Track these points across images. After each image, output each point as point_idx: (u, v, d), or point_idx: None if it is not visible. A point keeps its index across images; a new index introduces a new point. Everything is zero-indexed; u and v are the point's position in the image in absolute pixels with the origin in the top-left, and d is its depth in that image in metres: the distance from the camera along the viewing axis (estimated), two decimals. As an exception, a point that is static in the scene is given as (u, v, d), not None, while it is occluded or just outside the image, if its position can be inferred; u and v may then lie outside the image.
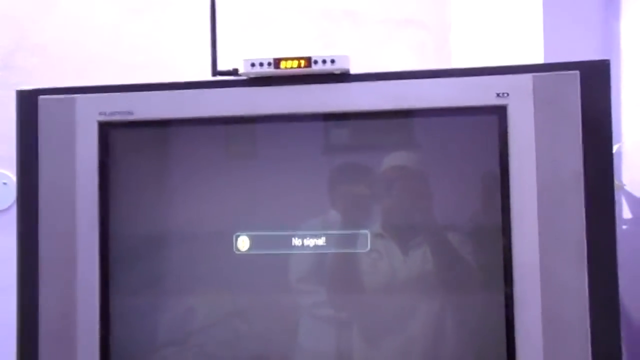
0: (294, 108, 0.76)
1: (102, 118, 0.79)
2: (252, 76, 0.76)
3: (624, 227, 1.10)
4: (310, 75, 0.75)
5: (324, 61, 0.74)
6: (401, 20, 1.45)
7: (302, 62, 0.74)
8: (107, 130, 0.80)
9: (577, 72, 0.71)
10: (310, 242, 0.76)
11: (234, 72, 0.79)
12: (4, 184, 1.39)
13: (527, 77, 0.72)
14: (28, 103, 0.83)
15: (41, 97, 0.81)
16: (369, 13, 1.45)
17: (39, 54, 1.43)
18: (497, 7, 1.25)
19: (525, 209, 0.72)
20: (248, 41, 1.40)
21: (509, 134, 0.73)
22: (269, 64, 0.74)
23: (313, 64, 0.74)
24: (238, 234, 0.78)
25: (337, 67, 0.74)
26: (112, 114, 0.79)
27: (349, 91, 0.75)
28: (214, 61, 0.81)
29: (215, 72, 0.81)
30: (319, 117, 0.77)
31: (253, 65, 0.74)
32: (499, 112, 0.73)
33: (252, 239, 0.78)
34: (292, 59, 0.74)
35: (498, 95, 0.73)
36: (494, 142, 0.74)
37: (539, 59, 1.00)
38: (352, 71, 0.76)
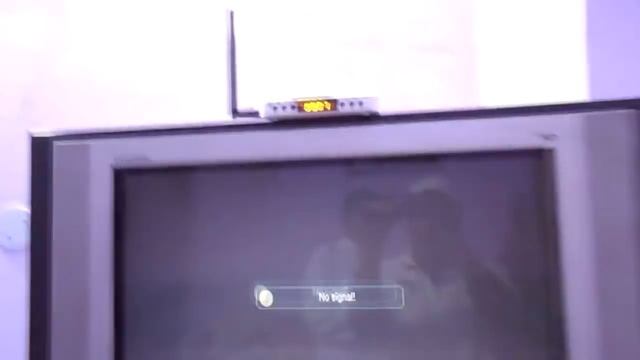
0: (318, 152, 0.70)
1: (117, 164, 0.75)
2: (273, 120, 0.71)
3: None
4: (336, 117, 0.70)
5: (351, 103, 0.68)
6: (426, 45, 1.40)
7: (328, 105, 0.69)
8: (121, 176, 0.76)
9: (634, 110, 0.64)
10: (339, 297, 0.70)
11: (254, 113, 0.74)
12: (24, 221, 1.37)
13: (578, 117, 0.65)
14: (42, 148, 0.79)
15: (56, 143, 0.78)
16: (393, 40, 1.40)
17: (58, 89, 1.42)
18: (530, 32, 1.18)
19: (579, 262, 0.65)
20: (269, 73, 1.36)
21: (557, 180, 0.66)
22: (292, 107, 0.69)
23: (339, 106, 0.69)
24: (259, 287, 0.73)
25: (365, 109, 0.69)
26: (127, 159, 0.75)
27: (378, 133, 0.69)
28: (232, 100, 0.76)
29: (234, 112, 0.77)
30: (346, 162, 0.71)
31: (275, 108, 0.70)
32: (546, 156, 0.66)
33: (274, 293, 0.72)
34: (317, 100, 0.69)
35: (544, 137, 0.66)
36: (539, 188, 0.67)
37: (580, 91, 0.93)
38: (379, 105, 0.71)
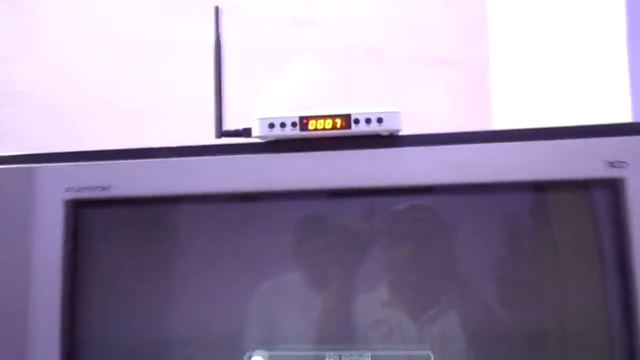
0: (326, 182, 0.56)
1: (70, 195, 0.60)
2: (269, 140, 0.57)
3: None
4: (347, 137, 0.56)
5: (368, 120, 0.54)
6: (432, 58, 1.27)
7: (339, 122, 0.55)
8: (76, 210, 0.60)
9: None
10: (350, 364, 0.55)
11: (245, 132, 0.60)
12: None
13: (653, 141, 0.52)
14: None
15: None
16: (394, 51, 1.27)
17: (22, 100, 1.26)
18: (550, 43, 1.07)
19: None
20: (257, 85, 1.22)
21: (628, 216, 0.52)
22: (294, 124, 0.55)
23: (353, 124, 0.54)
24: (249, 353, 0.57)
25: (385, 128, 0.54)
26: (83, 189, 0.60)
27: (400, 158, 0.55)
28: (218, 118, 0.61)
29: (220, 132, 0.62)
30: (361, 195, 0.57)
31: (271, 126, 0.55)
32: (613, 187, 0.53)
33: None
34: (326, 117, 0.55)
35: (611, 164, 0.53)
36: (605, 225, 0.54)
37: (620, 108, 0.81)
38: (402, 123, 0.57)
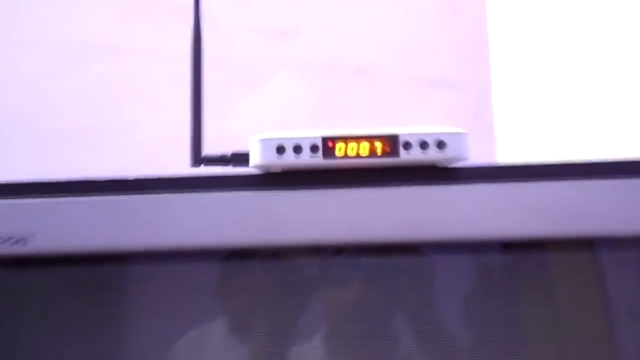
0: (359, 233, 0.38)
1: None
2: (277, 170, 0.39)
3: None
4: (392, 169, 0.38)
5: (424, 144, 0.37)
6: (428, 80, 1.14)
7: (380, 146, 0.37)
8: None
9: None
10: None
11: (237, 159, 0.42)
12: None
13: None
14: None
15: None
16: (387, 71, 1.13)
17: None
18: (563, 61, 0.95)
19: None
20: (230, 104, 1.04)
21: None
22: (314, 148, 0.37)
23: (402, 150, 0.37)
24: None
25: (448, 156, 0.38)
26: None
27: (467, 199, 0.38)
28: (195, 140, 0.43)
29: (199, 158, 0.43)
30: (407, 250, 0.40)
31: (281, 150, 0.37)
32: None
33: None
34: (361, 138, 0.37)
35: None
36: None
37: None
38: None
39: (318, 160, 0.37)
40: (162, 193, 0.39)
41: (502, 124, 1.12)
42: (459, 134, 0.38)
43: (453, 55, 1.16)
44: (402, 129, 0.38)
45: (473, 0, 1.17)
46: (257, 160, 0.38)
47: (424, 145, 0.37)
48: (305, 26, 1.11)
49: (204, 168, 0.43)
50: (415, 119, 1.15)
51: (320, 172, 0.38)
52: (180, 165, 0.45)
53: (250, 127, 1.07)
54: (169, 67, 1.04)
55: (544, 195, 0.38)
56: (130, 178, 0.41)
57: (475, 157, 1.17)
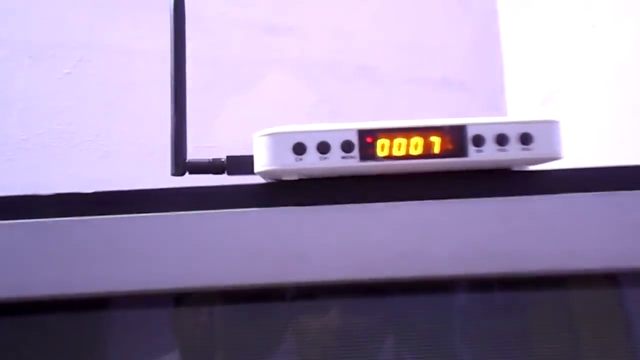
0: (413, 267, 0.27)
1: None
2: (287, 178, 0.28)
3: None
4: (459, 174, 0.28)
5: (502, 138, 0.26)
6: (436, 80, 1.04)
7: (439, 142, 0.26)
8: None
9: None
10: None
11: (234, 165, 0.30)
12: None
13: None
14: None
15: None
16: (391, 70, 1.03)
17: None
18: (582, 58, 0.86)
19: None
20: (218, 106, 0.93)
21: None
22: (347, 146, 0.26)
23: (472, 147, 0.26)
24: None
25: (537, 154, 0.27)
26: None
27: (564, 216, 0.28)
28: (177, 143, 0.32)
29: (182, 165, 0.32)
30: (483, 290, 0.29)
31: (300, 149, 0.26)
32: None
33: None
34: (413, 131, 0.26)
35: None
36: None
37: None
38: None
39: (353, 162, 0.26)
40: (129, 213, 0.27)
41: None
42: (550, 123, 0.27)
43: (462, 53, 1.06)
44: (471, 119, 0.27)
45: (482, -6, 1.09)
46: (266, 165, 0.27)
47: (502, 139, 0.26)
48: (300, 22, 1.01)
49: (189, 178, 0.32)
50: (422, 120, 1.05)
51: (357, 180, 0.27)
52: (161, 179, 0.34)
53: (239, 133, 0.96)
54: (148, 67, 0.92)
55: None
56: (91, 191, 0.29)
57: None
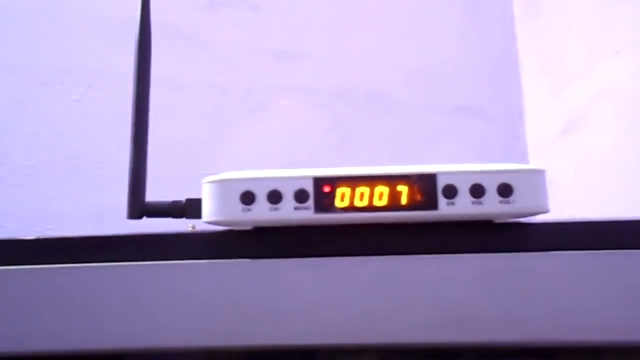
0: (376, 332, 0.24)
1: None
2: (245, 227, 0.25)
3: None
4: (429, 228, 0.24)
5: (477, 190, 0.23)
6: (452, 106, 1.00)
7: (406, 192, 0.23)
8: None
9: None
10: None
11: (194, 209, 0.28)
12: None
13: None
14: None
15: None
16: (404, 96, 1.00)
17: None
18: (609, 85, 0.81)
19: None
20: (227, 134, 0.91)
21: None
22: (300, 195, 0.23)
23: (442, 199, 0.23)
24: None
25: (517, 208, 0.24)
26: None
27: (550, 275, 0.24)
28: (135, 185, 0.30)
29: (138, 208, 0.30)
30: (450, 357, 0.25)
31: (249, 198, 0.23)
32: None
33: None
34: (376, 180, 0.24)
35: None
36: None
37: None
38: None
39: (308, 214, 0.23)
40: (68, 262, 0.25)
41: (538, 156, 0.97)
42: (533, 173, 0.23)
43: (479, 79, 1.03)
44: (443, 167, 0.24)
45: (500, 19, 1.05)
46: (212, 215, 0.24)
47: (477, 191, 0.23)
48: (311, 48, 1.00)
49: (145, 222, 0.30)
50: (438, 151, 1.01)
51: (312, 233, 0.24)
52: (117, 219, 0.32)
53: (248, 161, 0.94)
54: (155, 93, 0.92)
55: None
56: (25, 239, 0.27)
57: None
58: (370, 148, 0.98)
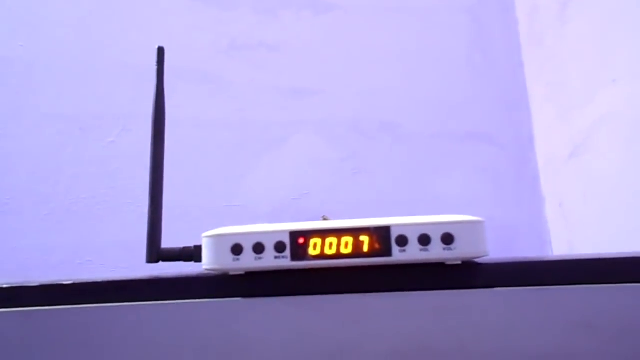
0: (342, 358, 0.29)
1: None
2: (236, 272, 0.30)
3: None
4: (385, 272, 0.29)
5: (424, 239, 0.28)
6: (461, 134, 1.04)
7: (367, 242, 0.28)
8: None
9: None
10: None
11: (195, 254, 0.34)
12: None
13: None
14: None
15: None
16: (414, 126, 1.04)
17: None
18: (618, 106, 0.83)
19: None
20: (246, 168, 0.98)
21: None
22: (279, 247, 0.29)
23: (395, 247, 0.28)
24: None
25: (458, 254, 0.28)
26: None
27: (488, 309, 0.28)
28: (153, 233, 0.36)
29: (154, 254, 0.36)
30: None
31: (237, 250, 0.29)
32: None
33: None
34: (342, 232, 0.29)
35: None
36: None
37: None
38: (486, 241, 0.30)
39: (285, 262, 0.28)
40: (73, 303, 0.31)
41: (549, 180, 0.99)
42: (472, 223, 0.28)
43: (488, 106, 1.06)
44: (396, 220, 0.28)
45: (507, 46, 1.09)
46: (208, 263, 0.30)
47: (424, 240, 0.28)
48: (324, 84, 1.06)
49: (161, 266, 0.35)
50: (449, 177, 1.05)
51: (290, 276, 0.29)
52: (135, 265, 0.38)
53: (269, 192, 1.00)
54: (184, 133, 1.00)
55: (597, 303, 0.27)
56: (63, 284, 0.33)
57: (519, 218, 1.03)
58: (383, 176, 1.03)
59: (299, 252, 0.28)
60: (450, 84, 1.08)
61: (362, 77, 1.07)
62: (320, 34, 1.09)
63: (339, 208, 0.96)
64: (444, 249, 0.28)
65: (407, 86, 1.08)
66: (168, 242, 0.39)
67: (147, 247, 0.36)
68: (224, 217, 0.97)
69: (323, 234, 0.29)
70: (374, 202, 0.97)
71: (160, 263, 0.36)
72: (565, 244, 0.93)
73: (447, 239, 0.28)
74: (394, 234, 0.28)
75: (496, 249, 0.30)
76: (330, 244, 0.29)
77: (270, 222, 0.32)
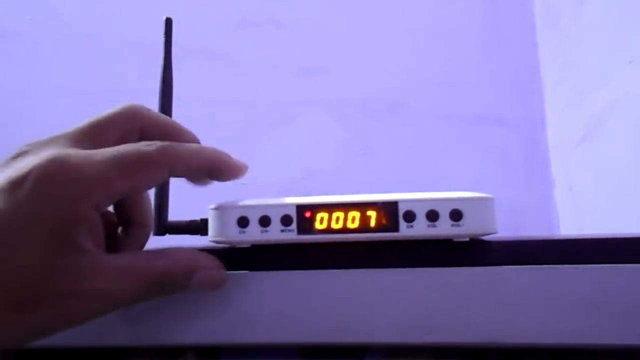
0: (344, 333, 0.29)
1: None
2: (242, 245, 0.30)
3: None
4: (391, 248, 0.29)
5: (432, 215, 0.28)
6: (471, 116, 1.03)
7: (374, 217, 0.28)
8: None
9: None
10: None
11: (201, 227, 0.34)
12: None
13: None
14: None
15: None
16: (424, 107, 1.04)
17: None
18: (630, 91, 0.82)
19: None
20: (254, 147, 0.98)
21: None
22: (286, 220, 0.28)
23: (403, 223, 0.28)
24: None
25: (466, 230, 0.28)
26: None
27: (494, 287, 0.28)
28: (160, 207, 0.36)
29: (162, 226, 0.36)
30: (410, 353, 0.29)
31: (244, 222, 0.29)
32: None
33: None
34: (349, 206, 0.28)
35: None
36: None
37: None
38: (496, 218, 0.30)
39: (292, 235, 0.28)
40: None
41: (560, 163, 0.98)
42: (481, 200, 0.28)
43: (499, 88, 1.05)
44: (404, 195, 0.28)
45: (521, 27, 1.07)
46: (214, 235, 0.30)
47: (432, 216, 0.27)
48: (333, 62, 1.05)
49: (168, 238, 0.35)
50: (459, 159, 1.04)
51: (295, 251, 0.29)
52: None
53: (276, 171, 1.00)
54: (193, 110, 1.00)
55: (605, 283, 0.27)
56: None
57: (529, 202, 1.02)
58: (391, 157, 1.02)
59: (305, 225, 0.28)
60: (461, 64, 1.06)
61: (372, 56, 1.06)
62: (330, 11, 1.07)
63: (346, 188, 0.96)
64: (452, 225, 0.27)
65: (417, 66, 1.07)
66: (175, 217, 0.39)
67: (155, 221, 0.36)
68: (230, 196, 0.97)
69: (330, 208, 0.29)
70: (382, 182, 0.97)
71: (167, 236, 0.37)
72: (574, 227, 0.92)
73: (456, 215, 0.27)
74: (402, 210, 0.28)
75: (503, 231, 0.30)
76: (337, 219, 0.28)
77: (277, 197, 0.32)
